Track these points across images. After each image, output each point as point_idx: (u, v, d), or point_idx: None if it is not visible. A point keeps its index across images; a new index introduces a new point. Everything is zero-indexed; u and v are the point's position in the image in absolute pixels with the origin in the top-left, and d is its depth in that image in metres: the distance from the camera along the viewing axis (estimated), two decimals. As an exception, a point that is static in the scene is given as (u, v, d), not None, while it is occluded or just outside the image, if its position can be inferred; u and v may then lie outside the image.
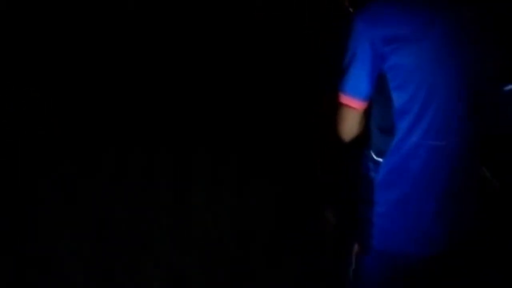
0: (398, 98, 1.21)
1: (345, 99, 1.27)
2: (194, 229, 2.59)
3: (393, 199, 1.29)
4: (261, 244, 2.44)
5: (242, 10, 3.82)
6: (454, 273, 1.38)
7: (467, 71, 1.21)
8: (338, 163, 1.50)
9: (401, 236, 1.31)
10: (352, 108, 1.27)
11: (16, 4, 4.29)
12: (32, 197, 2.85)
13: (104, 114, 3.66)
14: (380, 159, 1.29)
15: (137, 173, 3.10)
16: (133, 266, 2.41)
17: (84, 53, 4.18)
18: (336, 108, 1.30)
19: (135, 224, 2.69)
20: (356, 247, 1.42)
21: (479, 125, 1.29)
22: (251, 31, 3.64)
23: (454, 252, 1.34)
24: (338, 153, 1.42)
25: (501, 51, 1.24)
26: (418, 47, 1.16)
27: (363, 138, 1.35)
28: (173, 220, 2.71)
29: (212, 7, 4.02)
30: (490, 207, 1.46)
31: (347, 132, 1.31)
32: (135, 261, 2.44)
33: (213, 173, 3.02)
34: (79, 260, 2.43)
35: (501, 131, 1.37)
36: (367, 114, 1.31)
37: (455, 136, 1.25)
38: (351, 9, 1.43)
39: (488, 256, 1.68)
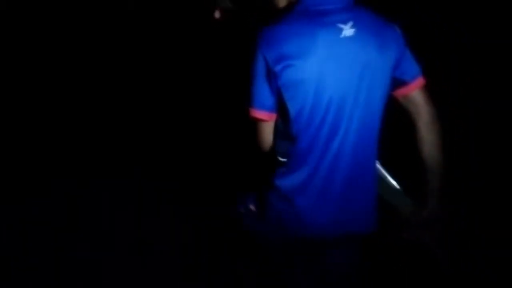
0: (291, 108, 1.38)
1: (254, 112, 1.41)
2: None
3: (294, 189, 1.45)
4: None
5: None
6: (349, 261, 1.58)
7: (351, 81, 1.37)
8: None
9: (298, 221, 1.47)
10: (263, 121, 1.42)
11: (16, 4, 4.29)
12: (30, 196, 2.86)
13: (103, 114, 3.68)
14: (285, 159, 1.46)
15: (137, 173, 3.11)
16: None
17: (84, 53, 4.19)
18: (250, 122, 1.44)
19: (134, 224, 2.70)
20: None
21: (368, 128, 1.44)
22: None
23: (347, 240, 1.52)
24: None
25: (382, 64, 1.39)
26: (303, 63, 1.33)
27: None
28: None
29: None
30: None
31: (264, 143, 1.47)
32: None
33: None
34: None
35: None
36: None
37: (344, 137, 1.41)
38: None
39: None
